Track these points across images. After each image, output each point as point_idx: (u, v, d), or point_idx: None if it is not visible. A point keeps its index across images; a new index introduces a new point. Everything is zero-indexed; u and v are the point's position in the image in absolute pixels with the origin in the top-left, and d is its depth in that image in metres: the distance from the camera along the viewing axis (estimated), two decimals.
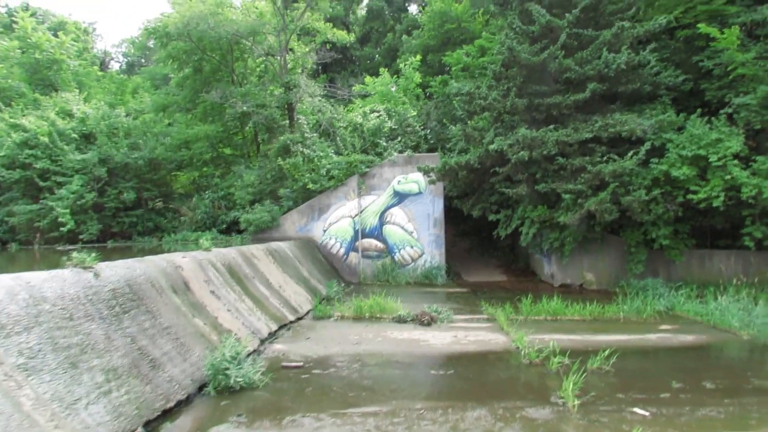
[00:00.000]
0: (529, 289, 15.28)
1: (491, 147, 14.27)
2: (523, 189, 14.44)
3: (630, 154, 12.83)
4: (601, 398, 5.92)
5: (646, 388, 6.29)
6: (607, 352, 7.10)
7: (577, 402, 5.62)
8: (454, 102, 19.11)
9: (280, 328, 9.86)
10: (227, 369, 6.34)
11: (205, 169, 22.83)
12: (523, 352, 7.78)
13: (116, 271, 6.67)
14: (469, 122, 16.83)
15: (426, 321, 10.29)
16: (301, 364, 7.50)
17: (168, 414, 5.57)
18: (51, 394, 4.58)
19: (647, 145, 12.75)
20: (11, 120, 19.56)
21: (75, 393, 4.79)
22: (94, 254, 6.59)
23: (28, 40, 24.89)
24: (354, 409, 5.65)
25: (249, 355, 7.84)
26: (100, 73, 28.17)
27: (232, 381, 6.27)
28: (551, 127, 13.97)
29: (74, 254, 6.44)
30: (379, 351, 8.28)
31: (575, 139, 13.56)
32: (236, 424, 5.30)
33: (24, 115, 19.96)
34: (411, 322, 10.48)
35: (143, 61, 45.74)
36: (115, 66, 46.85)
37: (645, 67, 13.89)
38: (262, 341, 8.76)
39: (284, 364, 7.52)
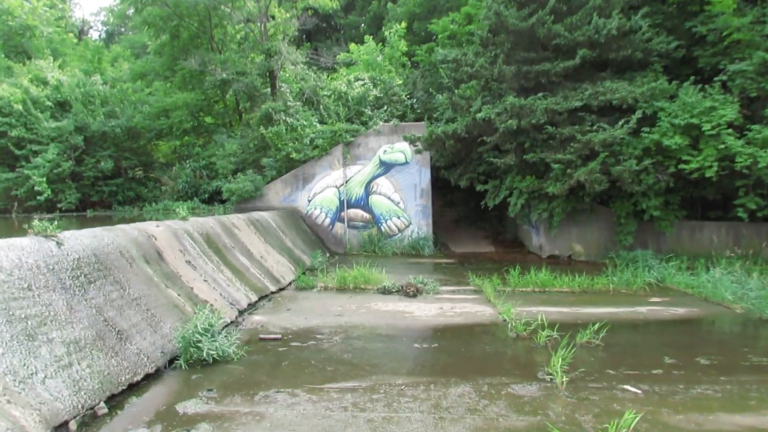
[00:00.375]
0: (517, 260, 15.06)
1: (479, 115, 13.87)
2: (511, 159, 14.10)
3: (621, 123, 12.51)
4: (590, 374, 5.64)
5: (637, 364, 6.01)
6: (596, 326, 6.83)
7: (565, 378, 5.33)
8: (440, 70, 18.61)
9: (261, 299, 9.54)
10: (199, 341, 6.02)
11: (186, 138, 22.22)
12: (510, 325, 7.51)
13: (81, 240, 6.28)
14: (456, 91, 16.37)
15: (411, 292, 10.02)
16: (280, 336, 7.20)
17: (134, 388, 5.25)
18: (4, 367, 4.23)
19: (638, 114, 12.41)
20: None
21: (31, 366, 4.44)
22: (56, 222, 6.20)
23: (1, 6, 23.90)
24: (332, 385, 5.36)
25: (226, 326, 7.53)
26: (75, 41, 27.16)
27: (204, 354, 5.96)
28: (540, 95, 13.59)
29: (35, 222, 6.04)
30: (362, 323, 7.99)
31: (564, 108, 13.20)
32: (205, 400, 4.99)
33: None
34: (396, 294, 10.20)
35: (123, 30, 44.40)
36: (94, 35, 45.55)
37: (636, 33, 13.45)
38: (241, 312, 8.45)
39: (262, 336, 7.22)
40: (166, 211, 17.84)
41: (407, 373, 5.72)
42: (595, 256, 14.95)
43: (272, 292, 10.20)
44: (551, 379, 5.43)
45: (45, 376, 4.47)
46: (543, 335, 6.80)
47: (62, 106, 19.12)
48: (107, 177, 19.28)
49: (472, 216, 20.57)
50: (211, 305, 7.72)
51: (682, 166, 12.17)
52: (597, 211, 14.88)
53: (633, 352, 6.51)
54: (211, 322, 6.29)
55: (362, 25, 36.22)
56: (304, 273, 12.18)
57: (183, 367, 5.89)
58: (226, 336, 6.46)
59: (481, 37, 14.88)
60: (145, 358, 5.66)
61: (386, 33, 25.14)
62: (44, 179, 16.97)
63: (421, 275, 11.40)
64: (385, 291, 10.32)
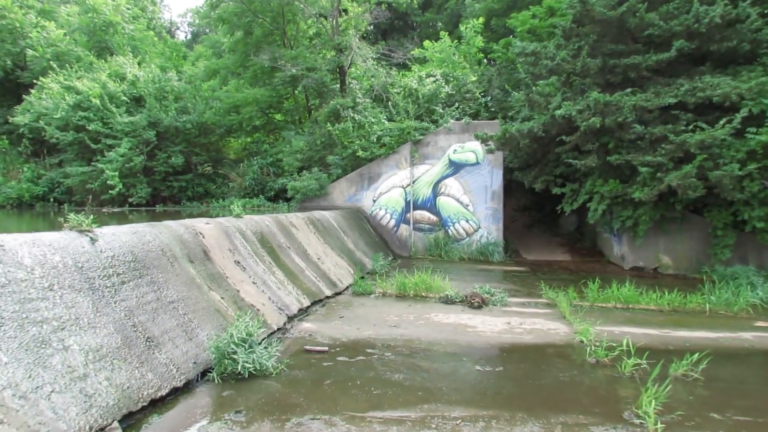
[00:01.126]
0: (595, 270, 13.87)
1: (558, 112, 12.75)
2: (592, 160, 12.88)
3: (722, 122, 11.10)
4: (690, 419, 4.59)
5: (749, 407, 4.88)
6: (695, 356, 5.73)
7: (660, 424, 4.34)
8: (517, 65, 17.52)
9: (314, 303, 8.97)
10: (235, 353, 5.46)
11: (256, 135, 22.18)
12: (588, 348, 6.52)
13: (119, 236, 5.86)
14: (533, 87, 15.26)
15: (476, 303, 9.15)
16: (327, 348, 6.54)
17: (158, 404, 4.72)
18: (6, 379, 3.77)
19: (743, 112, 10.94)
20: (66, 82, 19.49)
21: (38, 378, 3.97)
22: (92, 216, 5.82)
23: (87, 3, 24.85)
24: (376, 413, 4.62)
25: (272, 333, 7.00)
26: (156, 39, 27.91)
27: (239, 367, 5.38)
28: (628, 90, 12.34)
29: (71, 215, 5.68)
30: (418, 337, 7.22)
31: (656, 105, 11.92)
32: (230, 425, 4.37)
33: (78, 78, 19.83)
34: (459, 304, 9.36)
35: (207, 30, 45.77)
36: (180, 36, 47.27)
37: (744, 22, 11.93)
38: (290, 318, 7.88)
39: (307, 347, 6.59)
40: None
41: (465, 403, 4.90)
42: (685, 269, 13.49)
43: (327, 297, 9.60)
44: (641, 423, 4.44)
45: (52, 390, 3.99)
46: (629, 364, 5.78)
47: (137, 102, 19.47)
48: (178, 172, 19.47)
49: (547, 221, 19.32)
50: (258, 310, 7.20)
51: None
52: (689, 220, 13.41)
53: (742, 391, 5.37)
54: (249, 332, 5.71)
55: (439, 23, 35.44)
56: (363, 277, 11.59)
57: (216, 380, 5.33)
58: (266, 347, 5.86)
59: (564, 28, 13.71)
60: (174, 370, 5.13)
61: (462, 28, 24.25)
62: (117, 173, 17.26)
63: (488, 284, 10.51)
64: (448, 300, 9.50)
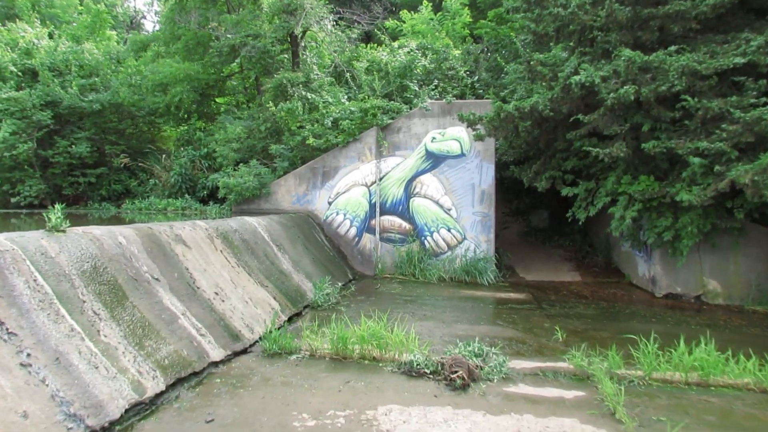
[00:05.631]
0: (617, 298, 10.34)
1: (575, 79, 9.03)
2: (620, 148, 9.19)
3: None
4: None
5: None
6: None
7: None
8: (512, 36, 13.83)
9: (178, 383, 5.15)
10: None
11: (196, 121, 18.16)
12: None
13: None
14: (534, 54, 11.56)
15: (459, 380, 5.40)
16: None
17: None
18: None
19: None
20: None
21: None
22: None
23: None
24: None
25: None
26: (80, 7, 23.60)
27: None
28: (672, 49, 8.75)
29: None
30: None
31: (713, 68, 8.33)
32: None
33: None
34: (431, 377, 5.60)
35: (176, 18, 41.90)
36: (148, 25, 43.58)
37: None
38: (104, 430, 4.09)
39: None
40: (148, 210, 13.89)
41: None
42: (740, 299, 9.91)
43: (212, 363, 5.78)
44: None
45: None
46: None
47: (34, 76, 15.37)
48: (86, 165, 15.39)
49: (549, 230, 15.66)
50: None
51: None
52: (747, 233, 9.85)
53: None
54: None
55: (420, 7, 32.05)
56: (298, 314, 7.90)
57: None
58: None
59: None
60: None
61: (448, 1, 20.68)
62: None
63: (476, 328, 6.86)
64: (412, 370, 5.73)
